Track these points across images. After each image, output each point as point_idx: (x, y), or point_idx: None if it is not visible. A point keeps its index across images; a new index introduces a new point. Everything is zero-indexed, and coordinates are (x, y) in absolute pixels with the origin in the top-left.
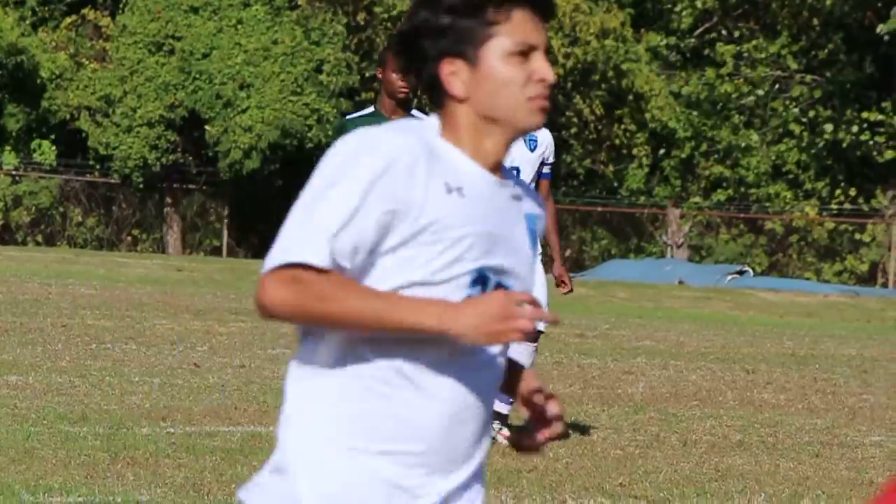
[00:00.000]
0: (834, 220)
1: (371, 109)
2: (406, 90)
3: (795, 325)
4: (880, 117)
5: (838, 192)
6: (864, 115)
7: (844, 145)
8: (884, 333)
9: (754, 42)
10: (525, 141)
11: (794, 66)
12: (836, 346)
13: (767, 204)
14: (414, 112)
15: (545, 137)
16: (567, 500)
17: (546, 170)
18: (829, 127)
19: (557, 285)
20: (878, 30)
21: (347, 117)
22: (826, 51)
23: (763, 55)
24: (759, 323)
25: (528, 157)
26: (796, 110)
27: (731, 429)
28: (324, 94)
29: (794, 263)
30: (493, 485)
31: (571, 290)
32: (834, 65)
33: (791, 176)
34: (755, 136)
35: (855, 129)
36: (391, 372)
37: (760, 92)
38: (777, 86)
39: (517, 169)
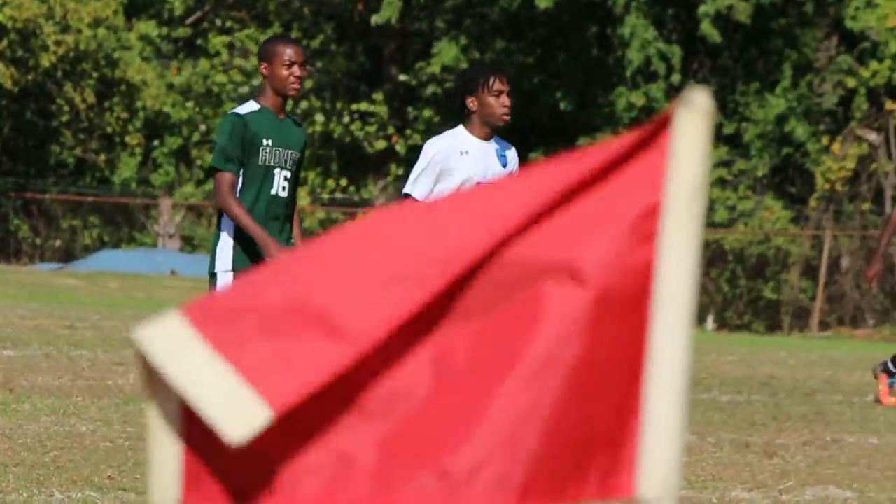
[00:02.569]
0: (325, 208)
1: (257, 106)
2: (299, 87)
3: None
4: (371, 108)
5: (330, 181)
6: (355, 106)
7: (336, 136)
8: None
9: (246, 32)
10: (497, 156)
11: None
12: None
13: None
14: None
15: (513, 155)
16: (55, 494)
17: None
18: (320, 118)
19: None
20: (372, 21)
21: (235, 111)
22: (318, 41)
23: (255, 45)
24: None
25: (500, 173)
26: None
27: None
28: None
29: None
30: None
31: None
32: (326, 55)
33: None
34: None
35: (346, 119)
36: None
37: (256, 82)
38: None
39: None
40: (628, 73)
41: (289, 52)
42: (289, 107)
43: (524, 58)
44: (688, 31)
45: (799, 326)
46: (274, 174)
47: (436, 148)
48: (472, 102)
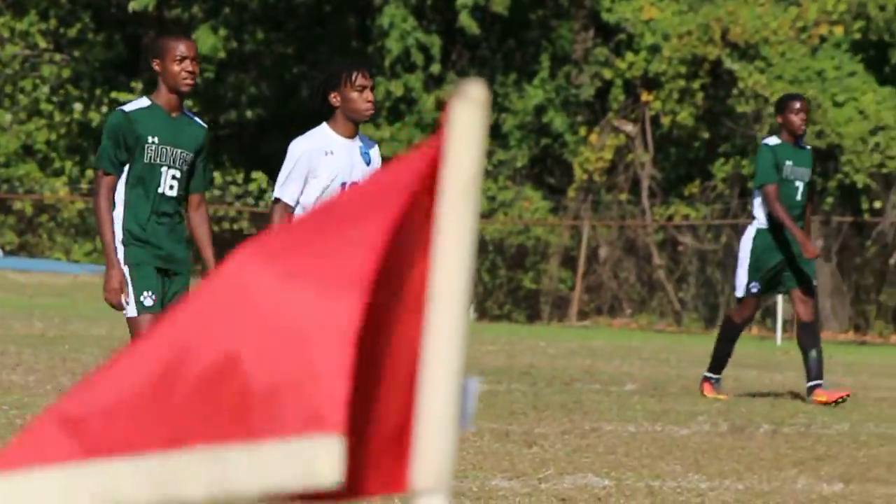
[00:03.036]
0: (84, 199)
1: (147, 103)
2: (193, 82)
3: (46, 305)
4: (130, 97)
5: (89, 171)
6: (115, 94)
7: (94, 125)
8: None
9: (2, 20)
10: (361, 154)
11: (43, 44)
12: (86, 326)
13: (18, 184)
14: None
15: (376, 153)
16: None
17: None
18: (79, 106)
19: None
20: (129, 9)
21: (121, 108)
22: (76, 30)
23: (10, 34)
24: (9, 305)
25: (366, 171)
26: (46, 89)
27: None
28: None
29: (44, 243)
30: None
31: None
32: (83, 44)
33: (41, 155)
34: (7, 116)
35: (105, 108)
36: None
37: (10, 71)
38: (27, 64)
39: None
40: (387, 63)
41: (180, 48)
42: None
43: (284, 48)
44: (447, 22)
45: (558, 316)
46: (161, 172)
47: (300, 150)
48: (334, 98)
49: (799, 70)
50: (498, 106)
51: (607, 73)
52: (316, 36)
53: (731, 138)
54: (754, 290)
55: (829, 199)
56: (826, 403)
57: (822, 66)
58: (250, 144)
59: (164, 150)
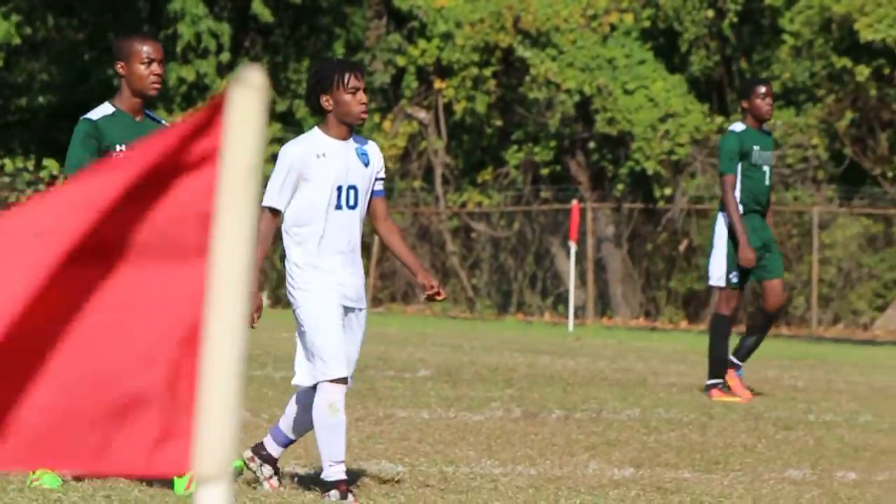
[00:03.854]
0: None
1: (111, 109)
2: (160, 85)
3: None
4: None
5: None
6: None
7: None
8: None
9: None
10: (357, 155)
11: None
12: None
13: None
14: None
15: (374, 149)
16: None
17: (379, 186)
18: None
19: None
20: None
21: (87, 117)
22: None
23: None
24: None
25: (363, 173)
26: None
27: None
28: None
29: None
30: None
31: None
32: None
33: None
34: None
35: None
36: None
37: None
38: None
39: (354, 187)
40: (178, 49)
41: (146, 49)
42: None
43: (75, 34)
44: (240, 9)
45: None
46: None
47: (291, 155)
48: (326, 101)
49: (590, 58)
50: (291, 93)
51: (401, 60)
52: (107, 22)
53: (524, 126)
54: (734, 280)
55: (620, 186)
56: (716, 395)
57: (613, 54)
58: (42, 131)
59: None
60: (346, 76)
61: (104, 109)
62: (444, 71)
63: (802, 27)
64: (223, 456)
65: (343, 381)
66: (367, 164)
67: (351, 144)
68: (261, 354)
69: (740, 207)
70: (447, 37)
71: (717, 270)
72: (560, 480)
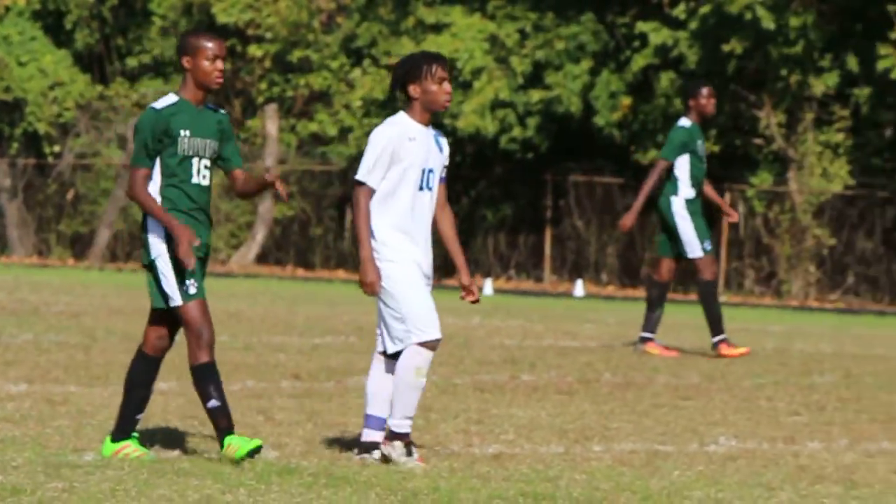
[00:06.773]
0: None
1: (175, 98)
2: (222, 80)
3: None
4: None
5: None
6: None
7: None
8: None
9: None
10: (435, 142)
11: None
12: None
13: None
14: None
15: (445, 141)
16: None
17: (443, 173)
18: None
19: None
20: None
21: (152, 106)
22: None
23: None
24: None
25: (439, 159)
26: None
27: None
28: None
29: None
30: None
31: (477, 301)
32: None
33: None
34: None
35: None
36: None
37: None
38: None
39: (433, 171)
40: None
41: (212, 47)
42: None
43: None
44: None
45: None
46: (192, 163)
47: (386, 136)
48: (414, 90)
49: None
50: None
51: None
52: None
53: None
54: (709, 248)
55: (15, 145)
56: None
57: (8, 31)
58: None
59: (195, 141)
60: (435, 67)
61: (168, 100)
62: None
63: (168, 11)
64: None
65: (434, 345)
66: (441, 151)
67: (430, 131)
68: None
69: (689, 193)
70: None
71: (692, 244)
72: None
